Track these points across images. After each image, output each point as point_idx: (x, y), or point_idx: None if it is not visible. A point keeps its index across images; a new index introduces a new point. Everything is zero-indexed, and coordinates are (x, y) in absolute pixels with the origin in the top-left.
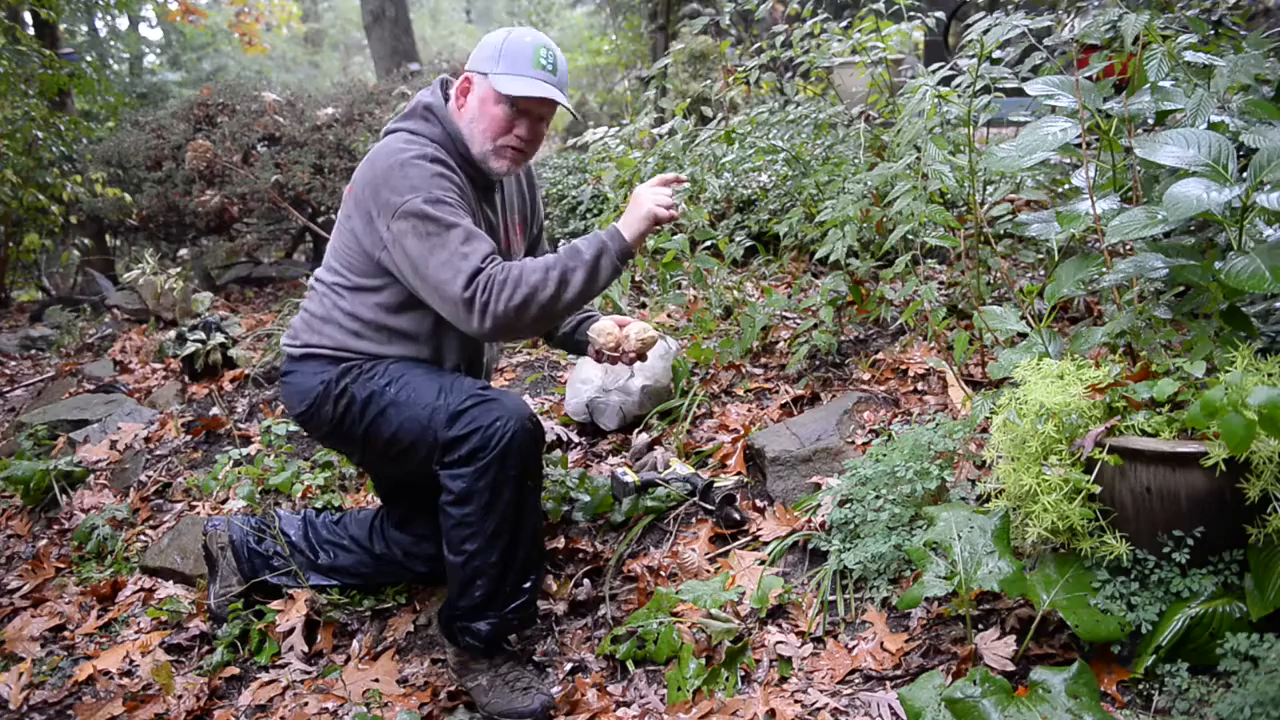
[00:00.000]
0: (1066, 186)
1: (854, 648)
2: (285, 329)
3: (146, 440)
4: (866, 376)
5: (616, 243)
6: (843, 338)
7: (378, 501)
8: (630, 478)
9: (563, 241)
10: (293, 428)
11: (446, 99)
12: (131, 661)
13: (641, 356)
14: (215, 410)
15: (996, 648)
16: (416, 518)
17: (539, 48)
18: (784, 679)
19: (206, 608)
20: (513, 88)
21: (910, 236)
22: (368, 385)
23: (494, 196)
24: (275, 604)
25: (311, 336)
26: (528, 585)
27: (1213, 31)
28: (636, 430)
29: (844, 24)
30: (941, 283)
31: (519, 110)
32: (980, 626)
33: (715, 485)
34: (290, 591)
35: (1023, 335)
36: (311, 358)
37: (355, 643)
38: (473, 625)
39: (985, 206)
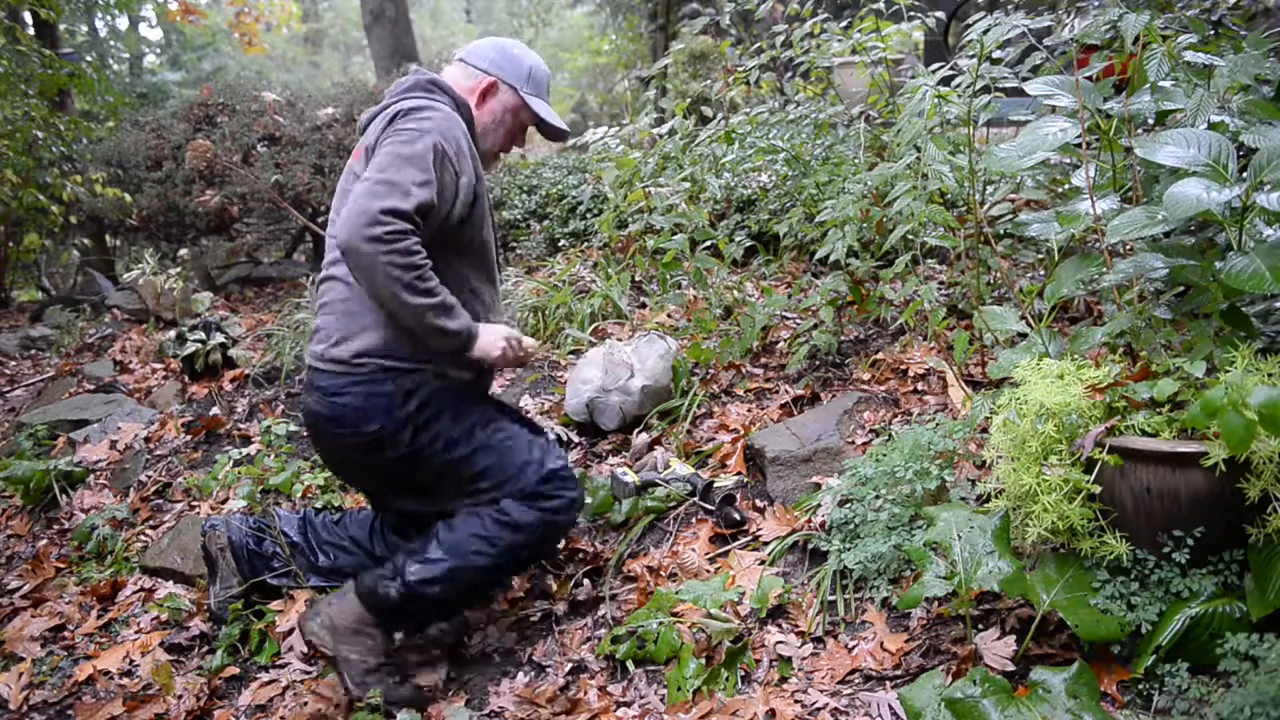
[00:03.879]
0: (1066, 186)
1: (854, 648)
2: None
3: (146, 440)
4: (866, 376)
5: (464, 338)
6: (843, 338)
7: None
8: (630, 478)
9: (563, 241)
10: (293, 428)
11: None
12: (131, 661)
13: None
14: (215, 410)
15: (996, 648)
16: (410, 528)
17: (549, 78)
18: (784, 679)
19: (207, 608)
20: (550, 117)
21: (910, 236)
22: (455, 426)
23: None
24: (275, 604)
25: (355, 342)
26: (458, 618)
27: (1213, 31)
28: (636, 430)
29: (844, 24)
30: (941, 283)
31: (528, 129)
32: (980, 626)
33: (715, 485)
34: (290, 591)
35: (1023, 335)
36: (363, 370)
37: None
38: (418, 591)
39: (985, 206)
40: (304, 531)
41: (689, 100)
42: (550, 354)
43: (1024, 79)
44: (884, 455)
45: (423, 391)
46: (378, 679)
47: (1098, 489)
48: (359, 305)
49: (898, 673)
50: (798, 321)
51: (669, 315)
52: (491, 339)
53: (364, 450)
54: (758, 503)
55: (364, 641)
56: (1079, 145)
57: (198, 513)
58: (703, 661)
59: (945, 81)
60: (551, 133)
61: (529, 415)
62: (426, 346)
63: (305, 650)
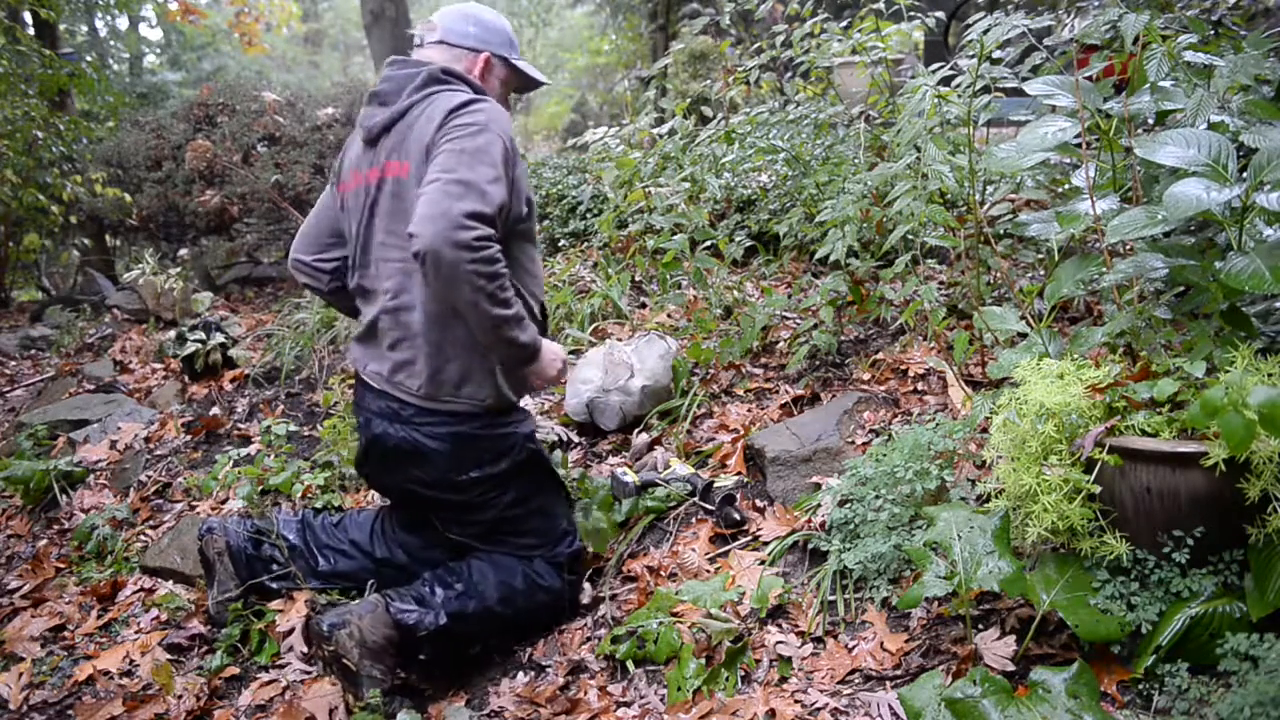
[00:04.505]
0: (1066, 186)
1: (854, 648)
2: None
3: (146, 440)
4: (866, 376)
5: (530, 352)
6: (843, 338)
7: (377, 499)
8: (630, 478)
9: (563, 241)
10: (293, 427)
11: None
12: (131, 661)
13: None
14: (215, 410)
15: (996, 648)
16: (422, 529)
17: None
18: (784, 679)
19: (206, 611)
20: (535, 73)
21: (910, 236)
22: (524, 486)
23: None
24: (275, 604)
25: (463, 388)
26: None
27: (1213, 31)
28: (636, 430)
29: (844, 24)
30: (941, 283)
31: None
32: (980, 626)
33: (715, 485)
34: (290, 592)
35: (1023, 335)
36: (466, 419)
37: None
38: (451, 627)
39: (985, 206)
40: (303, 534)
41: (689, 100)
42: None
43: (1024, 79)
44: (884, 455)
45: (514, 454)
46: (395, 700)
47: (1098, 489)
48: (448, 341)
49: (898, 673)
50: (798, 321)
51: (669, 315)
52: (550, 358)
53: (434, 487)
54: (758, 503)
55: (387, 660)
56: (1079, 145)
57: (198, 513)
58: (703, 661)
59: (945, 81)
60: (534, 86)
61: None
62: (517, 391)
63: (305, 650)
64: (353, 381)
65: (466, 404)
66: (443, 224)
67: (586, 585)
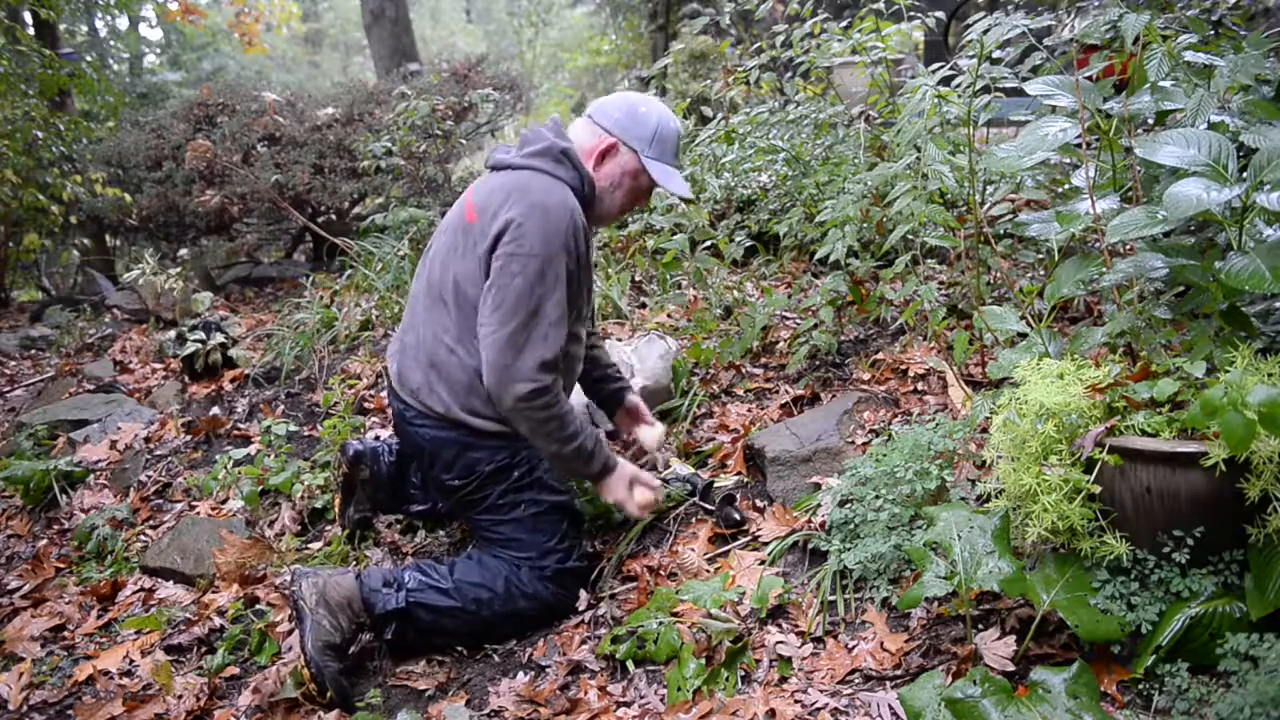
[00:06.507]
0: (1066, 186)
1: (854, 648)
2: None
3: (146, 440)
4: (866, 376)
5: (598, 467)
6: (843, 338)
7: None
8: None
9: None
10: (293, 428)
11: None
12: (131, 661)
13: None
14: (215, 410)
15: (996, 648)
16: None
17: (680, 137)
18: (784, 679)
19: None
20: (671, 184)
21: (910, 236)
22: (520, 496)
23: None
24: (275, 604)
25: (487, 412)
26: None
27: (1213, 31)
28: None
29: (844, 24)
30: (941, 283)
31: (652, 191)
32: (980, 626)
33: (715, 485)
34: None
35: (1023, 335)
36: (481, 434)
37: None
38: (412, 612)
39: (985, 206)
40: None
41: (689, 100)
42: None
43: (1024, 79)
44: (884, 455)
45: (513, 467)
46: (332, 657)
47: (1098, 489)
48: (469, 374)
49: (898, 673)
50: (798, 321)
51: (669, 315)
52: (618, 482)
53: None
54: (758, 503)
55: (339, 618)
56: (1079, 145)
57: (197, 512)
58: (703, 661)
59: (945, 81)
60: (664, 189)
61: (577, 505)
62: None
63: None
64: (353, 382)
65: (466, 420)
66: (505, 377)
67: (583, 594)
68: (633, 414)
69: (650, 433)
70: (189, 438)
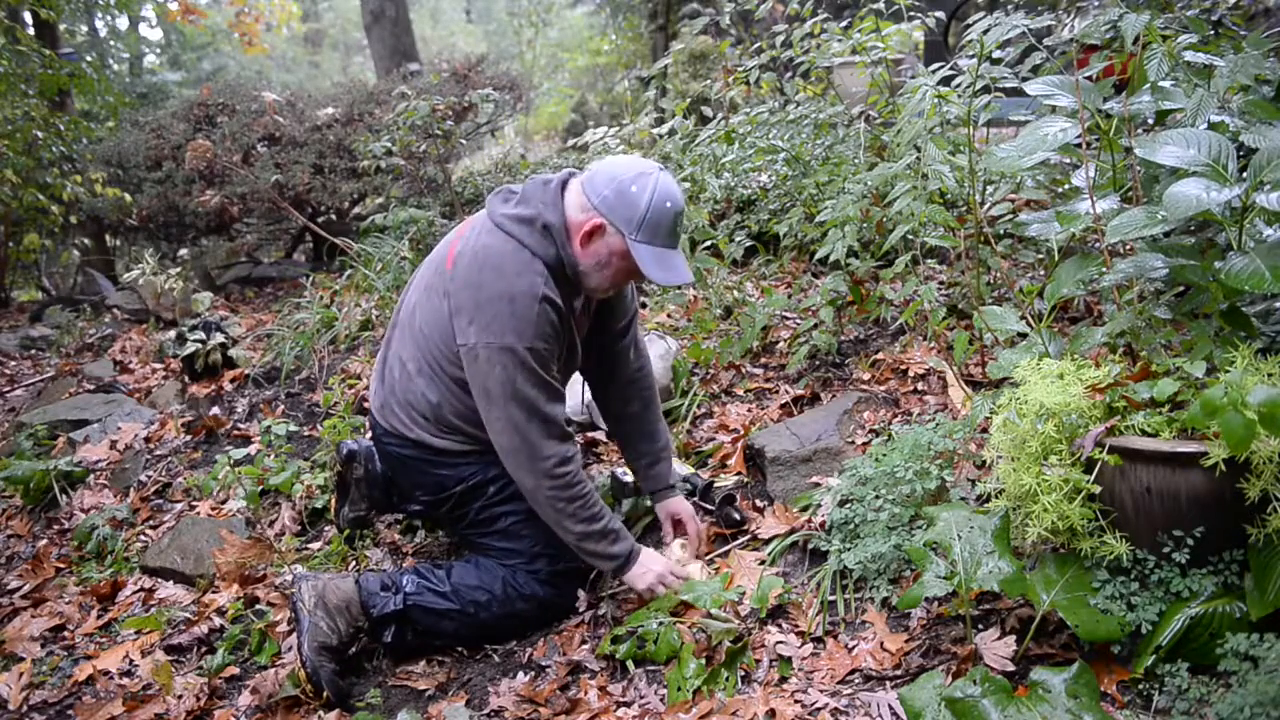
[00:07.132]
0: (1066, 186)
1: (854, 648)
2: (301, 332)
3: (146, 440)
4: (866, 376)
5: (618, 564)
6: (843, 338)
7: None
8: (630, 478)
9: None
10: (293, 428)
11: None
12: (131, 661)
13: None
14: (215, 410)
15: (996, 648)
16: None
17: (677, 215)
18: (784, 679)
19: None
20: (658, 272)
21: (910, 236)
22: (501, 508)
23: (579, 299)
24: (275, 604)
25: (450, 436)
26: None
27: (1213, 31)
28: None
29: (844, 24)
30: (941, 283)
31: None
32: (980, 626)
33: (715, 485)
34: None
35: (1023, 335)
36: (443, 453)
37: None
38: (411, 615)
39: (985, 206)
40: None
41: (689, 100)
42: None
43: (1024, 79)
44: (884, 455)
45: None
46: (328, 659)
47: (1098, 489)
48: (441, 399)
49: (898, 673)
50: (798, 321)
51: (669, 315)
52: (642, 571)
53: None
54: (758, 503)
55: (337, 622)
56: (1079, 145)
57: (197, 512)
58: (703, 661)
59: (945, 81)
60: (649, 277)
61: None
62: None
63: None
64: (353, 382)
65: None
66: (524, 458)
67: (583, 594)
68: (673, 516)
69: (682, 555)
70: (189, 438)
